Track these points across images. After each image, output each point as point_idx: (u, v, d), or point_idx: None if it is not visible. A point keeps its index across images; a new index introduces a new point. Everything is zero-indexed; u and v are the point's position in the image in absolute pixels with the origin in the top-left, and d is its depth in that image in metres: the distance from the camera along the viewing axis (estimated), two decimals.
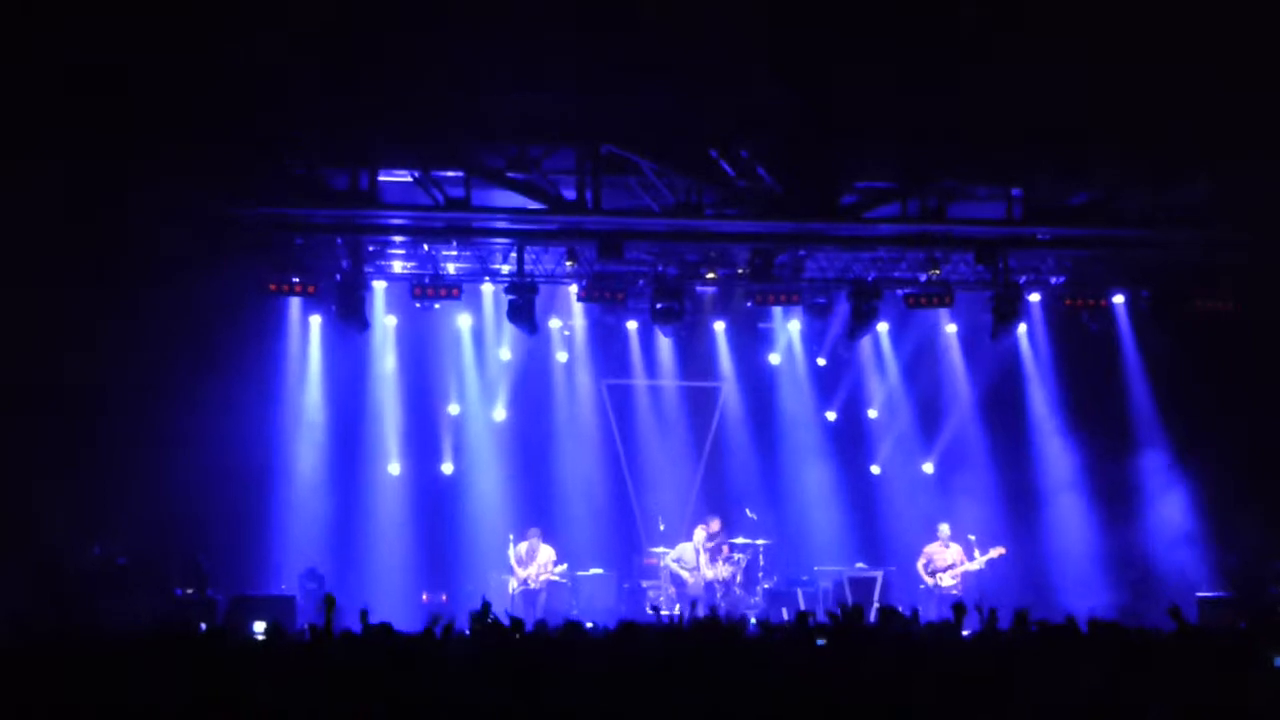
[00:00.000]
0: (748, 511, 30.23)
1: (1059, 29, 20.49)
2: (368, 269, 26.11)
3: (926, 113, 22.28)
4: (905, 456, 31.67)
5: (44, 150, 21.08)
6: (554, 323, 29.85)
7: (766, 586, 29.33)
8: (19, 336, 24.26)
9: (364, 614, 16.00)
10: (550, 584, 27.89)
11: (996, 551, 27.57)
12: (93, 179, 21.51)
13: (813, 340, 31.23)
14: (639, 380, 31.12)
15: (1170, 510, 28.75)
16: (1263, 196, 23.19)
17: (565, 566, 28.39)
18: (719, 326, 30.61)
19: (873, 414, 31.82)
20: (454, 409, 30.30)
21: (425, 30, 20.33)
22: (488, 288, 27.60)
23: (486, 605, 15.22)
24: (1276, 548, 27.10)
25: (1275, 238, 23.93)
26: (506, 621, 15.97)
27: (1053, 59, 20.85)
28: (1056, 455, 30.21)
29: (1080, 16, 20.40)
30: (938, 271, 25.72)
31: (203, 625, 20.92)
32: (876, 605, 27.02)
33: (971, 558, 27.70)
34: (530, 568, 27.82)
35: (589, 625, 17.12)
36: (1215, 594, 26.93)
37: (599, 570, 29.86)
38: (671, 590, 28.04)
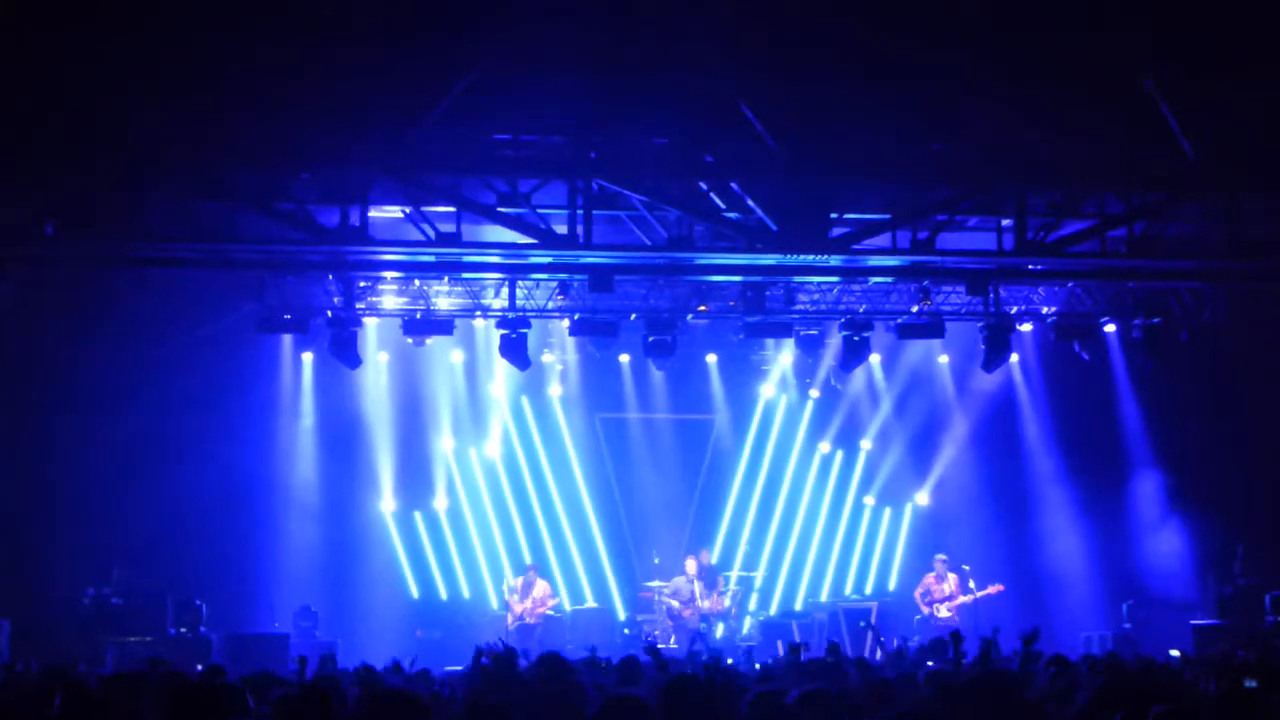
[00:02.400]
0: (742, 544, 30.29)
1: (1046, 63, 20.52)
2: (359, 306, 26.07)
3: (917, 147, 22.30)
4: (899, 487, 31.71)
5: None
6: (546, 357, 29.87)
7: (761, 618, 29.35)
8: (13, 393, 24.38)
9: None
10: (546, 618, 27.90)
11: (994, 588, 27.61)
12: (78, 212, 21.51)
13: (805, 372, 31.29)
14: (632, 414, 31.14)
15: (1166, 539, 28.77)
16: (1251, 225, 23.21)
17: (559, 600, 28.43)
18: (711, 359, 30.64)
19: (866, 445, 31.87)
20: (447, 444, 30.30)
21: (417, 64, 20.34)
22: (480, 323, 27.57)
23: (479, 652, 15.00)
24: (1271, 576, 27.08)
25: (1266, 267, 23.96)
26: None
27: (1041, 90, 20.87)
28: (1051, 484, 30.25)
29: (1064, 50, 20.44)
30: (929, 302, 25.70)
31: (198, 666, 20.80)
32: (871, 623, 27.04)
33: (967, 589, 27.73)
34: (526, 602, 27.84)
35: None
36: (1210, 622, 26.91)
37: (594, 604, 29.89)
38: (668, 623, 28.02)
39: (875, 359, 29.87)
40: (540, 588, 28.15)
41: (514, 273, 25.07)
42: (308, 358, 28.32)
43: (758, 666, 18.27)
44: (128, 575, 25.89)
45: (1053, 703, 11.23)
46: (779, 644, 26.72)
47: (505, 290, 25.78)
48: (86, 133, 20.39)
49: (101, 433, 25.18)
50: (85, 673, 16.79)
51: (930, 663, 17.41)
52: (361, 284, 25.87)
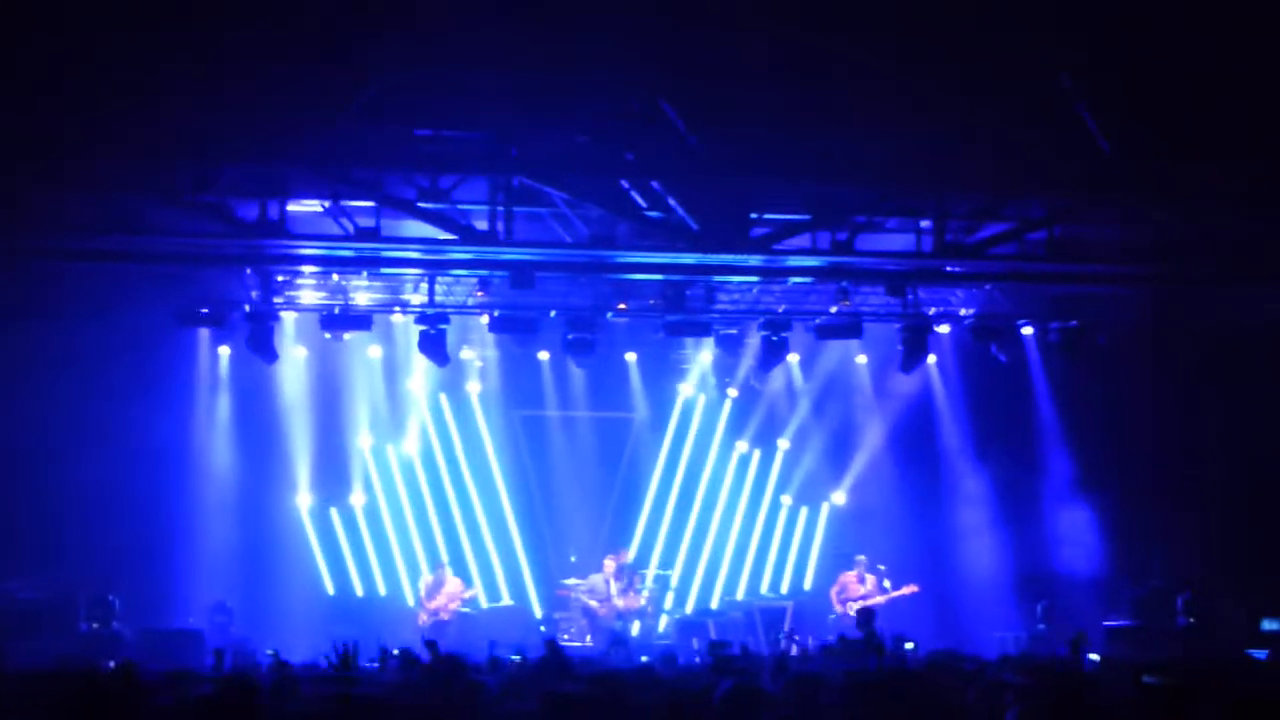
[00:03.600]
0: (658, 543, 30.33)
1: (966, 65, 20.61)
2: (277, 300, 25.94)
3: (838, 149, 22.34)
4: (816, 487, 31.79)
5: None
6: (466, 354, 29.78)
7: (678, 617, 29.39)
8: None
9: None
10: (461, 615, 27.85)
11: (909, 589, 27.73)
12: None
13: (724, 371, 31.31)
14: (552, 411, 31.09)
15: (1079, 540, 28.93)
16: (1168, 230, 23.41)
17: (473, 593, 28.39)
18: (631, 357, 30.62)
19: (784, 444, 31.94)
20: (365, 440, 30.19)
21: (338, 59, 20.24)
22: (399, 318, 27.44)
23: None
24: (1183, 578, 27.30)
25: (1183, 270, 24.17)
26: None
27: (961, 93, 20.95)
28: (966, 485, 30.38)
29: (984, 52, 20.54)
30: (848, 303, 25.80)
31: (110, 662, 20.62)
32: (786, 632, 27.13)
33: (884, 590, 27.84)
34: (438, 599, 27.79)
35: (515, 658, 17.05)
36: (1123, 623, 27.10)
37: (510, 602, 29.86)
38: (583, 621, 28.00)
39: (794, 359, 29.91)
40: (452, 584, 28.12)
41: (434, 268, 25.00)
42: (225, 352, 28.14)
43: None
44: (39, 570, 25.63)
45: (967, 702, 11.27)
46: (694, 642, 26.75)
47: (425, 286, 25.72)
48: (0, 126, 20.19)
49: (14, 425, 24.92)
50: None
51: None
52: (280, 278, 25.75)
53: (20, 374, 24.97)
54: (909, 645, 21.44)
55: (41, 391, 25.11)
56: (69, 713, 8.98)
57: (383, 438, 30.37)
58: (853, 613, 27.04)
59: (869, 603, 27.51)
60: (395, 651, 17.72)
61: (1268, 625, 25.03)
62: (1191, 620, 26.62)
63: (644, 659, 20.08)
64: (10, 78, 19.58)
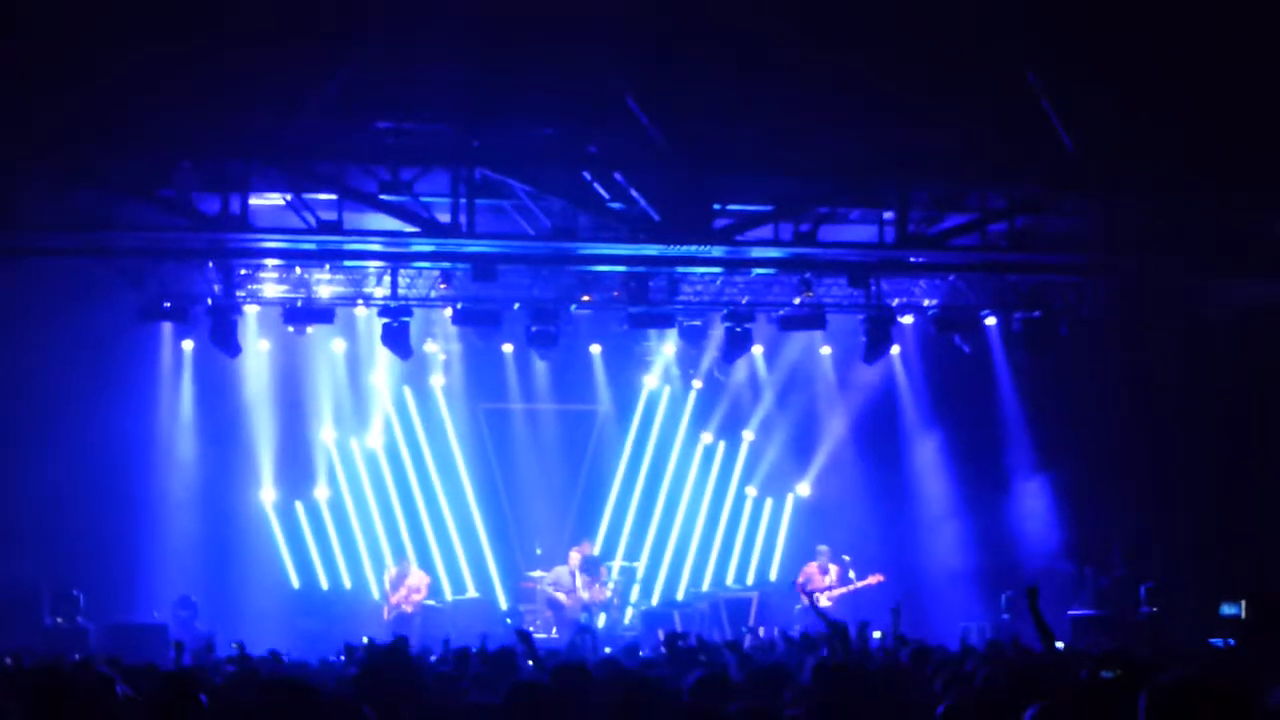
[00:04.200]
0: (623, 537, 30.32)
1: (928, 57, 20.65)
2: (239, 293, 25.88)
3: (800, 140, 22.36)
4: (781, 478, 31.84)
5: None
6: (429, 346, 29.77)
7: (643, 609, 29.42)
8: None
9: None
10: (424, 608, 27.85)
11: (874, 579, 27.75)
12: None
13: (688, 363, 31.37)
14: (515, 404, 31.11)
15: (1044, 530, 29.02)
16: (1131, 221, 23.47)
17: (429, 580, 28.39)
18: (595, 350, 30.65)
19: (748, 436, 31.99)
20: (329, 433, 30.15)
21: (299, 53, 20.21)
22: (361, 311, 27.39)
23: None
24: (1147, 568, 27.39)
25: (1145, 261, 24.25)
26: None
27: (923, 84, 20.99)
28: (931, 476, 30.47)
29: (946, 43, 20.58)
30: (811, 294, 25.82)
31: (75, 656, 20.57)
32: (750, 626, 27.18)
33: (848, 580, 27.88)
34: (402, 591, 27.78)
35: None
36: (1087, 612, 27.17)
37: (476, 594, 29.86)
38: (548, 614, 28.01)
39: (758, 350, 29.95)
40: (416, 577, 28.12)
41: (396, 261, 24.99)
42: (188, 346, 28.08)
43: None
44: (2, 565, 25.55)
45: (933, 693, 11.30)
46: (660, 634, 26.76)
47: (387, 278, 25.67)
48: None
49: None
50: None
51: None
52: (242, 271, 25.70)
53: None
54: (876, 634, 21.46)
55: (4, 387, 25.01)
56: (33, 708, 8.94)
57: (347, 431, 30.36)
58: (820, 604, 27.12)
59: (835, 593, 27.60)
60: (365, 641, 17.72)
61: (1226, 610, 25.09)
62: (1155, 609, 26.67)
63: (608, 650, 20.08)
64: None
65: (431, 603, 28.18)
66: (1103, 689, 9.62)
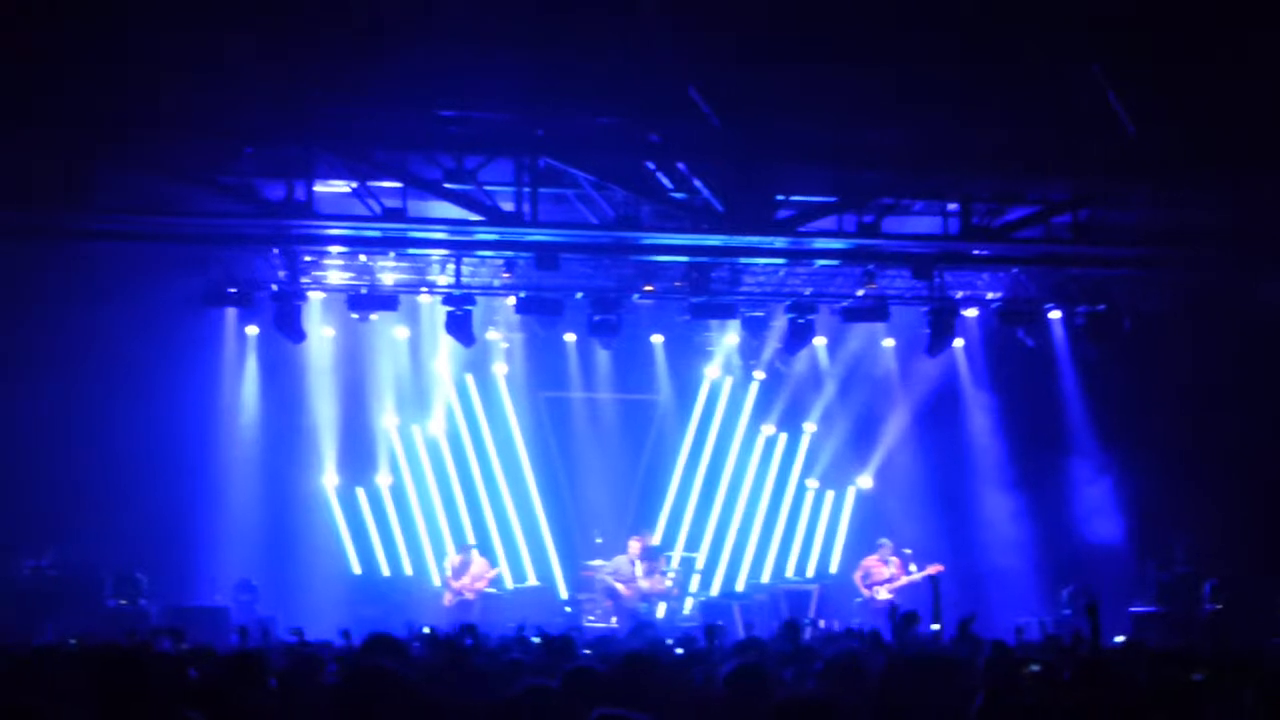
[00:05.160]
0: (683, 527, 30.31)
1: (991, 47, 20.56)
2: (304, 280, 26.00)
3: (863, 131, 22.33)
4: (842, 470, 31.77)
5: None
6: (491, 335, 29.82)
7: (703, 599, 29.40)
8: None
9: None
10: (485, 596, 27.90)
11: (934, 569, 27.61)
12: (20, 185, 21.37)
13: (750, 353, 31.33)
14: (576, 393, 31.12)
15: (1107, 525, 28.87)
16: (1195, 213, 23.33)
17: (497, 571, 28.46)
18: (656, 340, 30.64)
19: (809, 427, 31.93)
20: (391, 420, 30.25)
21: (363, 42, 20.27)
22: (425, 299, 27.50)
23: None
24: (1210, 563, 27.22)
25: (1209, 253, 24.10)
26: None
27: (985, 75, 20.91)
28: (993, 469, 30.33)
29: (1009, 34, 20.48)
30: (874, 286, 25.73)
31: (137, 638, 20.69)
32: (812, 618, 27.15)
33: (908, 572, 27.79)
34: (464, 579, 27.83)
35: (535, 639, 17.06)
36: (1149, 609, 27.04)
37: (536, 583, 29.89)
38: (608, 603, 28.02)
39: (820, 342, 29.89)
40: (478, 564, 28.14)
41: (460, 249, 25.01)
42: (252, 331, 28.22)
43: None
44: (67, 547, 25.76)
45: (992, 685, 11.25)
46: (719, 625, 26.71)
47: (451, 266, 25.72)
48: (29, 106, 20.26)
49: (45, 405, 25.01)
50: (17, 645, 16.67)
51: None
52: (306, 258, 25.81)
53: (50, 354, 25.02)
54: (935, 626, 21.41)
55: (68, 373, 25.17)
56: (97, 688, 9.00)
57: (409, 418, 30.43)
58: (880, 597, 27.06)
59: (895, 584, 27.53)
60: (425, 630, 17.75)
61: None
62: (1219, 606, 26.51)
63: (669, 642, 20.08)
64: (41, 62, 19.66)
65: (492, 591, 28.23)
66: (1166, 686, 9.54)
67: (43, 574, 25.65)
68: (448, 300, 25.65)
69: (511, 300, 26.55)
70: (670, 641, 19.34)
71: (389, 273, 26.38)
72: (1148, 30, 20.15)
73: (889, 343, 30.39)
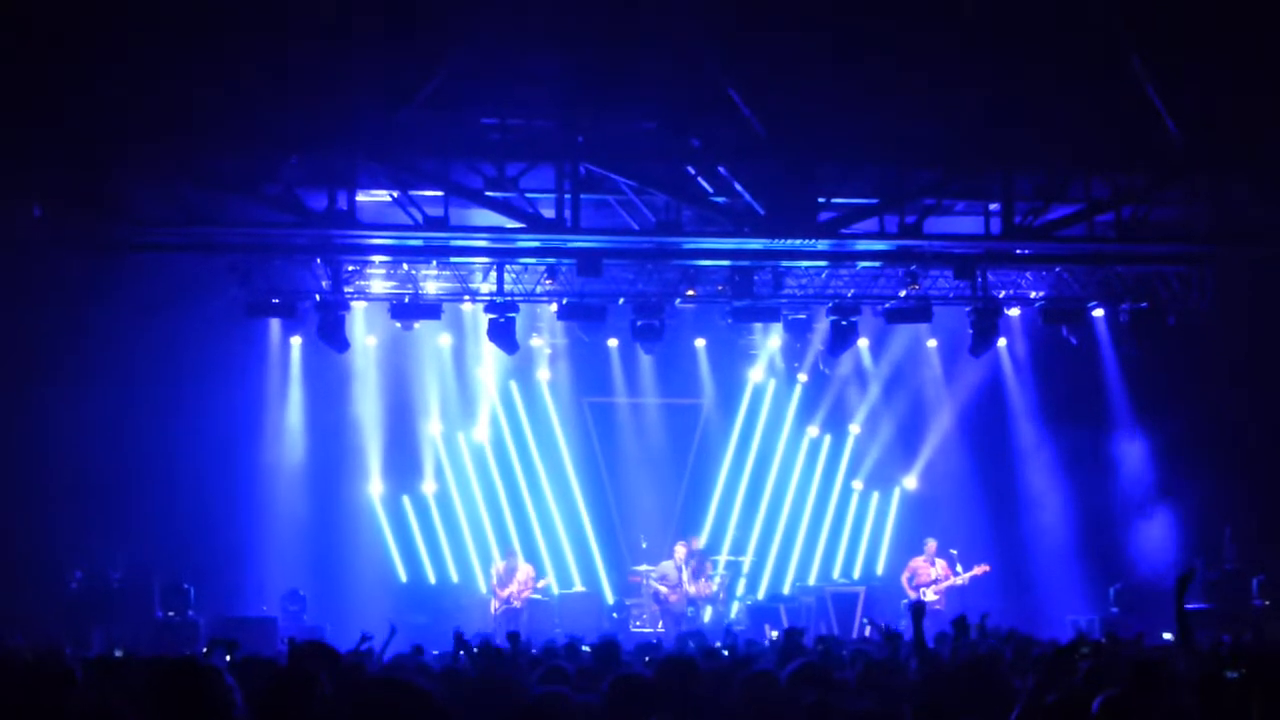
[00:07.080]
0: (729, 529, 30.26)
1: (1032, 46, 20.54)
2: (347, 289, 26.04)
3: (903, 131, 22.30)
4: (887, 471, 31.73)
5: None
6: (535, 341, 29.88)
7: (749, 603, 29.36)
8: (10, 371, 24.29)
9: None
10: (532, 602, 27.90)
11: (980, 569, 27.59)
12: (65, 195, 21.52)
13: (793, 356, 31.35)
14: (620, 398, 31.16)
15: (1153, 523, 28.78)
16: (1238, 209, 23.24)
17: (545, 582, 28.49)
18: (700, 343, 30.68)
19: (854, 429, 31.90)
20: (435, 428, 30.31)
21: (404, 49, 20.35)
22: (468, 307, 27.52)
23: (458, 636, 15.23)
24: (1258, 560, 27.09)
25: (1253, 250, 23.99)
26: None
27: (1027, 74, 20.89)
28: (1038, 469, 30.25)
29: (1050, 33, 20.46)
30: (916, 287, 25.68)
31: (185, 650, 20.77)
32: (861, 621, 27.12)
33: (955, 573, 27.73)
34: (511, 586, 27.83)
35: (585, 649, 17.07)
36: (1197, 606, 26.91)
37: (582, 589, 29.90)
38: (654, 608, 28.01)
39: (863, 343, 29.90)
40: (524, 571, 28.14)
41: (502, 256, 25.07)
42: (296, 341, 28.34)
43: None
44: (115, 558, 25.86)
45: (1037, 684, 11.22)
46: (766, 629, 26.71)
47: (493, 274, 25.74)
48: (74, 117, 20.39)
49: (89, 416, 25.07)
50: (71, 656, 16.75)
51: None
52: (349, 268, 25.84)
53: (97, 367, 25.07)
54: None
55: (112, 384, 25.21)
56: (155, 699, 9.02)
57: (453, 425, 30.51)
58: (927, 599, 26.98)
59: (942, 585, 27.47)
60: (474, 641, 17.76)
61: None
62: (1267, 603, 26.40)
63: (717, 645, 20.06)
64: (88, 73, 19.78)
65: (539, 597, 28.24)
66: (1221, 686, 9.47)
67: (91, 585, 25.73)
68: (490, 308, 25.65)
69: (554, 306, 26.56)
70: (718, 644, 19.33)
71: (432, 281, 26.40)
72: (1190, 27, 20.11)
73: (932, 343, 30.38)
